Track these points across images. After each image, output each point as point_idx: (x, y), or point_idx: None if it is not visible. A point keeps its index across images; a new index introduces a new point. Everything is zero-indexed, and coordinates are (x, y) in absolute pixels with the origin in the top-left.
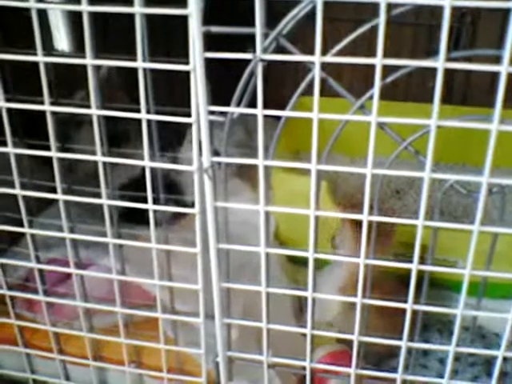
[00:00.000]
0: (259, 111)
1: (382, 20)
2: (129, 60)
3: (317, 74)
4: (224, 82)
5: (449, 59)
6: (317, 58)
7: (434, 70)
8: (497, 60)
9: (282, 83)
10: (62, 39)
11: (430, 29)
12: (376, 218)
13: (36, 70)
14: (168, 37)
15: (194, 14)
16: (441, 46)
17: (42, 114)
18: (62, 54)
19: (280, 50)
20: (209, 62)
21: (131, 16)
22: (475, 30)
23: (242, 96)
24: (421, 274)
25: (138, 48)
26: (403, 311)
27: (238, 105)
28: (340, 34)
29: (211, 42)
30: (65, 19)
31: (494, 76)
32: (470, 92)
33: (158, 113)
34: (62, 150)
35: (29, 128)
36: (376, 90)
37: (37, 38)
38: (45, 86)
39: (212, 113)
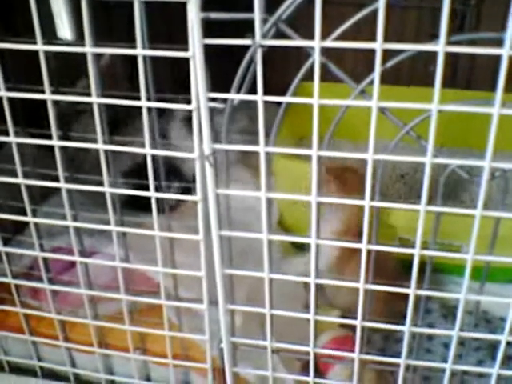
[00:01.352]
0: (259, 97)
1: (381, 4)
2: (130, 47)
3: (317, 59)
4: (228, 68)
5: (452, 42)
6: (316, 43)
7: (436, 54)
8: (502, 43)
9: (286, 69)
10: (64, 27)
11: (433, 12)
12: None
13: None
14: (169, 22)
15: (192, 1)
16: (441, 30)
17: (45, 102)
18: (65, 43)
19: (281, 35)
20: (212, 49)
21: (132, 2)
22: (480, 13)
23: (242, 82)
24: (423, 259)
25: (137, 35)
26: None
27: (239, 91)
28: (344, 18)
29: (213, 28)
30: (67, 7)
31: (499, 59)
32: (474, 75)
33: (159, 100)
34: (64, 138)
35: (32, 117)
36: (376, 75)
37: (36, 26)
38: (45, 74)
39: (214, 100)
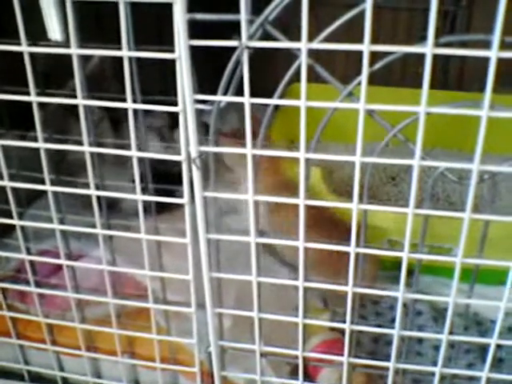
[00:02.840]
0: (246, 99)
1: (368, 5)
2: (117, 48)
3: (304, 60)
4: (216, 69)
5: (441, 44)
6: (303, 45)
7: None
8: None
9: (278, 70)
10: (54, 29)
11: (425, 13)
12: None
13: (32, 59)
14: (160, 24)
15: (178, 2)
16: (429, 32)
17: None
18: (55, 44)
19: (269, 36)
20: (201, 50)
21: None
22: (471, 14)
23: (228, 84)
24: (413, 261)
25: (122, 36)
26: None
27: (226, 93)
28: (336, 19)
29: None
30: (57, 8)
31: (489, 61)
32: (465, 77)
33: (145, 102)
34: (53, 140)
35: (19, 119)
36: (364, 77)
37: (20, 27)
38: (30, 76)
39: (204, 102)
